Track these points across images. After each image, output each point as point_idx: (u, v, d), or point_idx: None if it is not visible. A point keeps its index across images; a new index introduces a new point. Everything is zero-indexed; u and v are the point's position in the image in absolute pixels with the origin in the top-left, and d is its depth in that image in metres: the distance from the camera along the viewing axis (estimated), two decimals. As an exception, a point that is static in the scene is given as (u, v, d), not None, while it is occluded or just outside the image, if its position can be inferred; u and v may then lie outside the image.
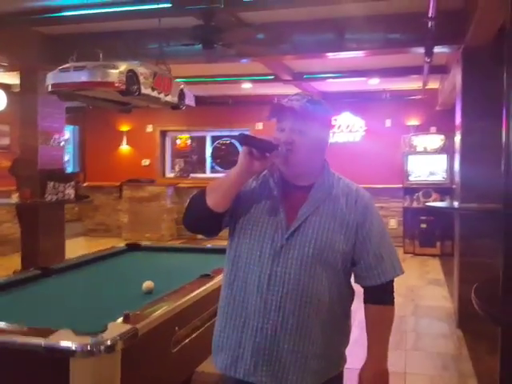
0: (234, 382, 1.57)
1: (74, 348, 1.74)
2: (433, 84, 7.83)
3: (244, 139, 1.47)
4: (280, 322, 1.50)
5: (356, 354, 1.71)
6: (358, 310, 1.67)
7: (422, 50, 4.50)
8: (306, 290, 1.51)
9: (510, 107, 1.91)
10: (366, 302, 1.63)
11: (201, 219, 1.60)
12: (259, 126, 9.52)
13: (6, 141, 8.57)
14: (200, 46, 4.70)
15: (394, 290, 1.65)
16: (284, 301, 1.50)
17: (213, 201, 1.53)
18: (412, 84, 8.10)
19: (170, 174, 10.40)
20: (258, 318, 1.52)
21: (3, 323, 2.01)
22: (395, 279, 1.64)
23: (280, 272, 1.51)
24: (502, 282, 1.99)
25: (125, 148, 10.25)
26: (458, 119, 4.68)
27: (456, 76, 4.93)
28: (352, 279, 1.66)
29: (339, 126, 8.97)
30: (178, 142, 10.62)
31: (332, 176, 1.63)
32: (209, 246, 4.11)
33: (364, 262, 1.58)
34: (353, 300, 1.67)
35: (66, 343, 1.76)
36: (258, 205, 1.59)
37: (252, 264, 1.55)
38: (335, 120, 8.86)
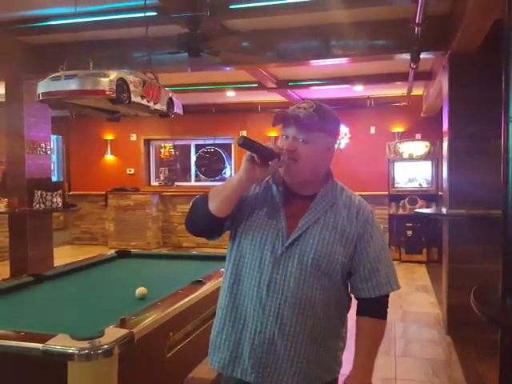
0: (235, 382, 1.60)
1: (71, 352, 1.77)
2: (417, 91, 7.90)
3: (244, 141, 1.44)
4: (278, 328, 1.53)
5: (350, 361, 1.69)
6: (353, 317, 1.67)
7: (407, 56, 4.53)
8: (305, 298, 1.53)
9: (510, 109, 1.89)
10: (358, 313, 1.64)
11: (203, 223, 1.61)
12: (243, 134, 9.52)
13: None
14: (186, 54, 4.68)
15: (389, 305, 1.65)
16: (282, 308, 1.53)
17: (215, 206, 1.54)
18: (396, 91, 8.18)
19: (154, 183, 10.39)
20: (256, 322, 1.55)
21: (0, 328, 2.02)
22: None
23: (279, 280, 1.53)
24: (501, 285, 1.98)
25: (109, 157, 10.22)
26: (445, 125, 4.71)
27: (442, 82, 4.97)
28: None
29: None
30: (162, 150, 10.58)
31: (335, 187, 1.64)
32: (195, 252, 4.13)
33: (359, 274, 1.60)
34: (349, 308, 1.69)
35: (63, 348, 1.79)
36: (261, 211, 1.60)
37: (252, 269, 1.57)
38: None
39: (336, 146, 1.67)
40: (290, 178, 1.58)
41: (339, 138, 1.67)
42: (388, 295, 1.63)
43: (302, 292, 1.53)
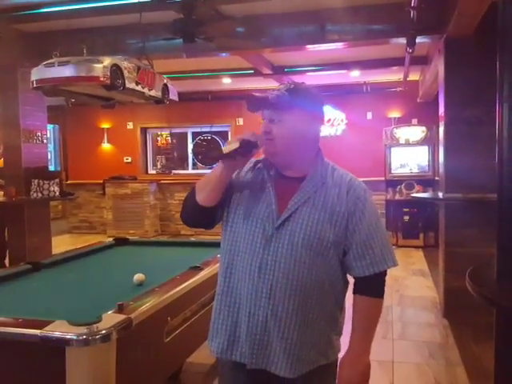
0: (231, 365, 1.62)
1: (69, 338, 1.78)
2: (413, 76, 7.88)
3: (222, 155, 1.50)
4: (270, 309, 1.54)
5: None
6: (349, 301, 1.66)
7: (404, 40, 4.50)
8: (296, 279, 1.53)
9: (504, 90, 1.90)
10: (354, 292, 1.62)
11: (195, 215, 1.67)
12: (239, 121, 9.49)
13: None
14: (180, 40, 4.64)
15: (385, 283, 1.63)
16: (274, 289, 1.53)
17: (202, 197, 1.60)
18: (392, 76, 8.14)
19: (152, 171, 10.37)
20: (250, 305, 1.56)
21: None
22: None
23: (270, 260, 1.54)
24: (496, 266, 2.00)
25: (106, 146, 10.19)
26: (441, 109, 4.70)
27: (438, 66, 4.95)
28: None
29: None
30: (159, 139, 10.55)
31: (326, 167, 1.63)
32: (193, 239, 4.14)
33: (352, 252, 1.58)
34: (345, 293, 1.68)
35: (61, 333, 1.80)
36: (251, 195, 1.62)
37: (244, 252, 1.58)
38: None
39: (319, 126, 1.66)
40: (273, 160, 1.62)
41: (321, 117, 1.64)
42: (384, 273, 1.61)
43: (294, 273, 1.53)
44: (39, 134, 6.06)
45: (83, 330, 1.81)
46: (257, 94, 1.58)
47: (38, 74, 4.01)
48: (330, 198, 1.57)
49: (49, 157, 6.73)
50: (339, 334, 1.67)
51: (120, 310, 2.04)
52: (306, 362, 1.57)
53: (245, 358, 1.58)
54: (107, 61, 3.92)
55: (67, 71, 3.86)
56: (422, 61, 6.58)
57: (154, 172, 10.33)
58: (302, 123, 1.57)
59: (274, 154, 1.59)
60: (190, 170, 10.24)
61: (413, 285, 5.83)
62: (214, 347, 1.65)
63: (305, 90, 1.62)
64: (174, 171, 10.19)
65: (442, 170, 4.80)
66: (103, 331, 1.83)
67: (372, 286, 1.61)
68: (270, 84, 8.39)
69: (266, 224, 1.56)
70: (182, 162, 10.42)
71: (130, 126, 10.10)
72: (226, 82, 8.28)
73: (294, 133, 1.56)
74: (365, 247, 1.57)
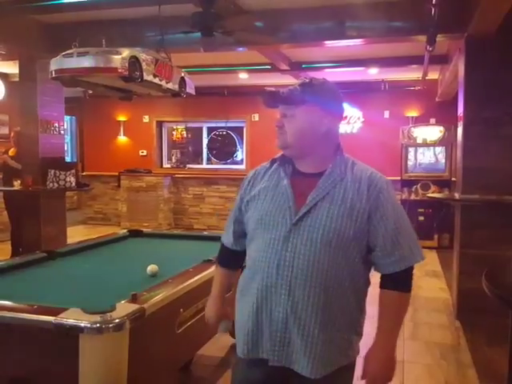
0: (248, 362, 1.61)
1: (83, 326, 1.79)
2: (432, 75, 7.77)
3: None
4: (290, 306, 1.52)
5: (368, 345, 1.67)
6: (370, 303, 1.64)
7: (424, 38, 4.44)
8: (315, 276, 1.50)
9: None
10: (382, 286, 1.59)
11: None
12: (255, 117, 9.46)
13: (5, 130, 8.59)
14: (198, 34, 4.64)
15: (413, 276, 1.60)
16: (293, 285, 1.51)
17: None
18: (411, 74, 8.05)
19: (166, 165, 10.40)
20: (270, 302, 1.55)
21: (14, 302, 2.07)
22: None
23: (289, 257, 1.52)
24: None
25: (122, 138, 10.25)
26: (461, 109, 4.64)
27: (458, 65, 4.88)
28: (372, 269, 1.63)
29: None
30: (174, 133, 10.58)
31: (345, 162, 1.61)
32: (206, 233, 4.22)
33: (380, 249, 1.54)
34: (366, 293, 1.64)
35: (75, 321, 1.81)
36: (268, 196, 1.61)
37: (263, 251, 1.57)
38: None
39: (335, 122, 1.64)
40: (283, 151, 1.64)
41: (337, 113, 1.60)
42: (412, 267, 1.57)
43: (313, 269, 1.50)
44: (56, 124, 6.12)
45: (97, 318, 1.82)
46: (270, 89, 1.58)
47: (56, 64, 4.03)
48: (350, 193, 1.54)
49: (65, 148, 6.78)
50: (359, 335, 1.64)
51: (133, 299, 2.05)
52: (327, 361, 1.54)
53: (267, 355, 1.56)
54: (126, 52, 3.93)
55: (86, 62, 3.87)
56: (441, 59, 6.49)
57: (168, 166, 10.36)
58: (312, 118, 1.56)
59: (285, 147, 1.60)
60: (205, 165, 10.25)
61: (426, 286, 5.78)
62: (240, 347, 1.63)
63: (320, 85, 1.60)
64: (188, 165, 10.20)
65: (459, 170, 4.74)
66: (117, 320, 1.84)
67: (401, 281, 1.57)
68: (287, 80, 8.35)
69: (283, 220, 1.55)
70: (197, 157, 10.44)
71: (146, 119, 10.13)
72: (243, 77, 8.25)
73: (303, 127, 1.56)
74: (393, 244, 1.53)
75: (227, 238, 1.80)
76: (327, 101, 1.60)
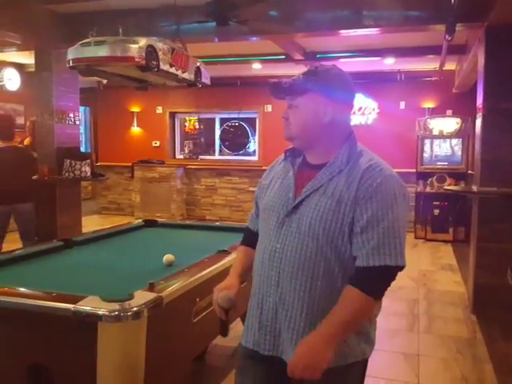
0: (245, 353, 1.62)
1: (102, 314, 1.80)
2: (449, 65, 7.64)
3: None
4: (278, 297, 1.52)
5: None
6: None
7: (442, 27, 4.36)
8: (302, 267, 1.48)
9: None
10: (348, 281, 1.45)
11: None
12: (268, 107, 9.41)
13: (20, 120, 8.66)
14: (213, 23, 4.61)
15: (386, 284, 1.44)
16: (282, 277, 1.51)
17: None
18: (428, 65, 7.92)
19: (179, 156, 10.41)
20: (262, 293, 1.57)
21: (33, 290, 2.07)
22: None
23: (279, 248, 1.52)
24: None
25: (136, 129, 10.28)
26: (480, 100, 4.55)
27: (478, 55, 4.79)
28: None
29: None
30: (187, 124, 10.59)
31: (351, 153, 1.52)
32: (218, 223, 4.37)
33: (356, 241, 1.44)
34: None
35: (94, 309, 1.82)
36: (275, 186, 1.62)
37: (262, 240, 1.60)
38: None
39: (342, 110, 1.55)
40: (290, 142, 1.61)
41: (343, 101, 1.51)
42: (383, 269, 1.41)
43: (299, 262, 1.47)
44: (72, 115, 6.15)
45: (115, 306, 1.83)
46: (273, 81, 1.56)
47: (74, 53, 4.04)
48: (341, 186, 1.47)
49: (80, 138, 6.82)
50: (359, 334, 1.52)
51: (151, 288, 2.06)
52: None
53: (258, 346, 1.57)
54: (142, 41, 3.93)
55: (103, 51, 3.87)
56: (459, 50, 6.36)
57: (181, 157, 10.37)
58: (315, 107, 1.51)
59: (291, 138, 1.58)
60: (217, 156, 10.24)
61: (441, 279, 5.73)
62: (250, 340, 1.62)
63: (325, 72, 1.53)
64: (200, 157, 10.21)
65: (477, 162, 4.67)
66: (135, 308, 1.84)
67: (366, 280, 1.42)
68: (301, 70, 8.27)
69: (280, 211, 1.55)
70: (209, 148, 10.43)
71: (159, 110, 10.14)
72: (256, 67, 8.19)
73: (307, 117, 1.52)
74: (366, 238, 1.42)
75: (250, 220, 1.82)
76: (332, 88, 1.52)
